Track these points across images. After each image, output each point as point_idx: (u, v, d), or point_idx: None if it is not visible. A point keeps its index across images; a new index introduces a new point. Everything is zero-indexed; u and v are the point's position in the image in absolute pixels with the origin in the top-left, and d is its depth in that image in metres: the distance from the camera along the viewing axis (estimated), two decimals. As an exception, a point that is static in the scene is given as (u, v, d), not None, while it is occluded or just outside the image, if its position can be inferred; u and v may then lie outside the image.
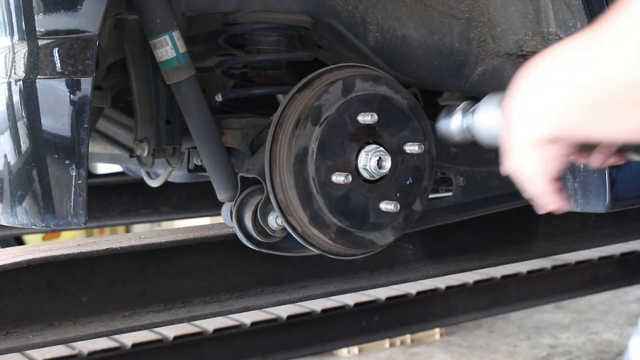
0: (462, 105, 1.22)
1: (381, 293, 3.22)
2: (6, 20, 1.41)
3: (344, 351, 4.24)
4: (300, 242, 1.58)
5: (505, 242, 2.26)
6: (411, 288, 3.29)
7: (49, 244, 1.67)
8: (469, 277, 3.43)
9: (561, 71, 0.82)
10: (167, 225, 5.36)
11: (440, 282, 3.36)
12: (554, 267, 3.63)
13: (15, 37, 1.41)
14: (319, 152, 1.52)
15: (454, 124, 1.21)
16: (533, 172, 0.91)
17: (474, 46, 1.89)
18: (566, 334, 4.53)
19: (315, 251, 1.61)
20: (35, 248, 1.63)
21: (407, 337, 4.41)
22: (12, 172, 1.41)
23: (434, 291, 3.35)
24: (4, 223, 1.48)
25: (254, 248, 1.66)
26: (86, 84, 1.41)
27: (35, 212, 1.41)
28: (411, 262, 2.05)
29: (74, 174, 1.41)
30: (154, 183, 2.32)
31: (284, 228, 1.59)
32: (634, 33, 0.73)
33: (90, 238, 1.80)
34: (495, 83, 1.93)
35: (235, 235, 1.66)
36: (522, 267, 3.55)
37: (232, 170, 1.70)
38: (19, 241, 4.57)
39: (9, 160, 1.42)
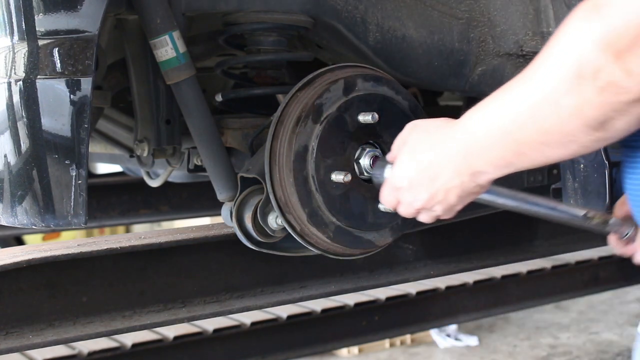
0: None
1: (381, 293, 3.22)
2: (6, 20, 1.41)
3: (344, 351, 4.24)
4: (299, 240, 1.58)
5: (505, 242, 2.26)
6: (411, 288, 3.29)
7: (49, 244, 1.67)
8: (469, 277, 3.43)
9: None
10: (167, 225, 5.36)
11: (440, 282, 3.36)
12: (554, 267, 3.63)
13: (15, 37, 1.41)
14: (319, 151, 1.52)
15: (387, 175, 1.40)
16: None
17: (474, 46, 1.89)
18: (566, 334, 4.53)
19: (314, 250, 1.61)
20: (35, 248, 1.63)
21: (407, 337, 4.41)
22: (12, 172, 1.41)
23: (434, 291, 3.35)
24: (4, 223, 1.48)
25: (254, 248, 1.65)
26: (86, 84, 1.41)
27: (35, 212, 1.41)
28: (411, 262, 2.05)
29: (74, 174, 1.41)
30: (154, 183, 2.32)
31: (284, 228, 1.59)
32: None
33: (90, 238, 1.80)
34: (496, 83, 1.93)
35: (235, 235, 1.66)
36: (522, 267, 3.55)
37: (232, 170, 1.70)
38: (19, 241, 4.57)
39: (9, 160, 1.42)
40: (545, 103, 1.01)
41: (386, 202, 1.41)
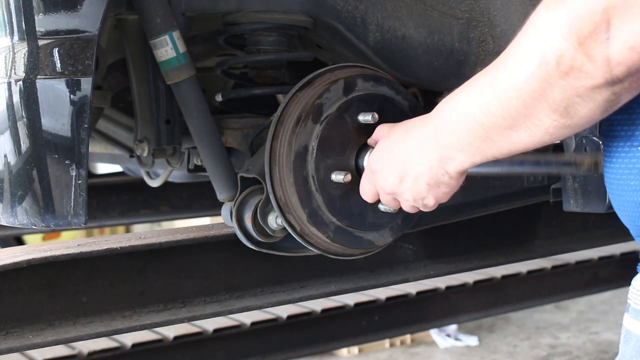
0: None
1: (381, 293, 3.22)
2: (6, 20, 1.41)
3: (344, 351, 4.24)
4: (299, 240, 1.58)
5: (505, 242, 2.26)
6: (411, 288, 3.30)
7: (49, 244, 1.67)
8: (469, 277, 3.43)
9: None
10: (167, 225, 5.36)
11: (440, 282, 3.36)
12: (554, 267, 3.63)
13: (15, 37, 1.41)
14: (319, 151, 1.52)
15: None
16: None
17: (474, 46, 1.89)
18: (566, 334, 4.53)
19: (314, 250, 1.61)
20: (35, 248, 1.63)
21: (407, 337, 4.42)
22: (12, 172, 1.41)
23: (434, 291, 3.35)
24: (4, 223, 1.48)
25: (254, 248, 1.66)
26: (86, 84, 1.41)
27: (35, 212, 1.41)
28: (411, 262, 2.05)
29: (74, 174, 1.41)
30: (154, 183, 2.32)
31: (284, 228, 1.59)
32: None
33: (90, 238, 1.80)
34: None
35: (235, 235, 1.66)
36: (522, 267, 3.56)
37: (232, 170, 1.70)
38: (19, 241, 4.58)
39: (9, 160, 1.42)
40: (510, 89, 1.03)
41: (364, 190, 1.44)
